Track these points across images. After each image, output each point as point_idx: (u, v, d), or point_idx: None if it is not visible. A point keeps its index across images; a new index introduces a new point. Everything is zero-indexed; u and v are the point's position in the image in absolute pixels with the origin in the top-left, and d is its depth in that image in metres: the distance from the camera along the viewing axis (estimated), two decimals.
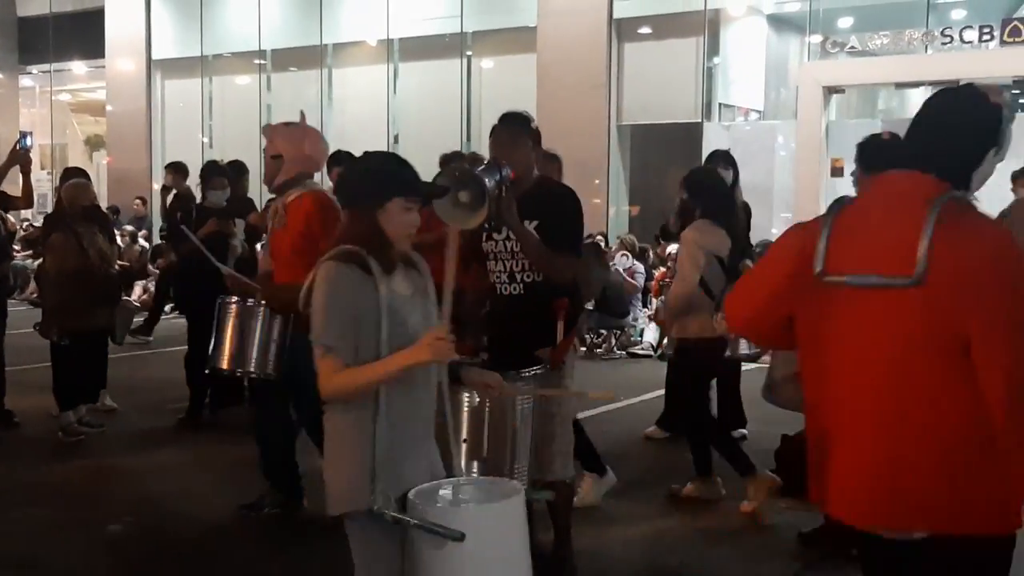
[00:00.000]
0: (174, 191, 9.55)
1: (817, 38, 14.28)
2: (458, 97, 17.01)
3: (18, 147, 7.34)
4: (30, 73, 23.72)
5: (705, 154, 7.94)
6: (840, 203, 2.55)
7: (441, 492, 2.78)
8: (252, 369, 4.97)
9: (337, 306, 2.73)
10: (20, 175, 7.42)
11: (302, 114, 5.25)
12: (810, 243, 2.45)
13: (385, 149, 16.87)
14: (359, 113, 18.07)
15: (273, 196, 5.37)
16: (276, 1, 18.85)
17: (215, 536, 5.04)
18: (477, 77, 17.14)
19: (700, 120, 14.79)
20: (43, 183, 19.38)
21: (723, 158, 6.79)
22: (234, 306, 4.97)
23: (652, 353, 10.56)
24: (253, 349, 4.93)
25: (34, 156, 7.86)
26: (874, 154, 4.72)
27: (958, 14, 14.28)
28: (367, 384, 2.72)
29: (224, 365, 4.98)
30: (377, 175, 2.89)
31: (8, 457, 6.42)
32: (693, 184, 5.75)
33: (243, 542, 4.96)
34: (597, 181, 14.97)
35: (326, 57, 18.42)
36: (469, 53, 17.16)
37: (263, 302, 4.97)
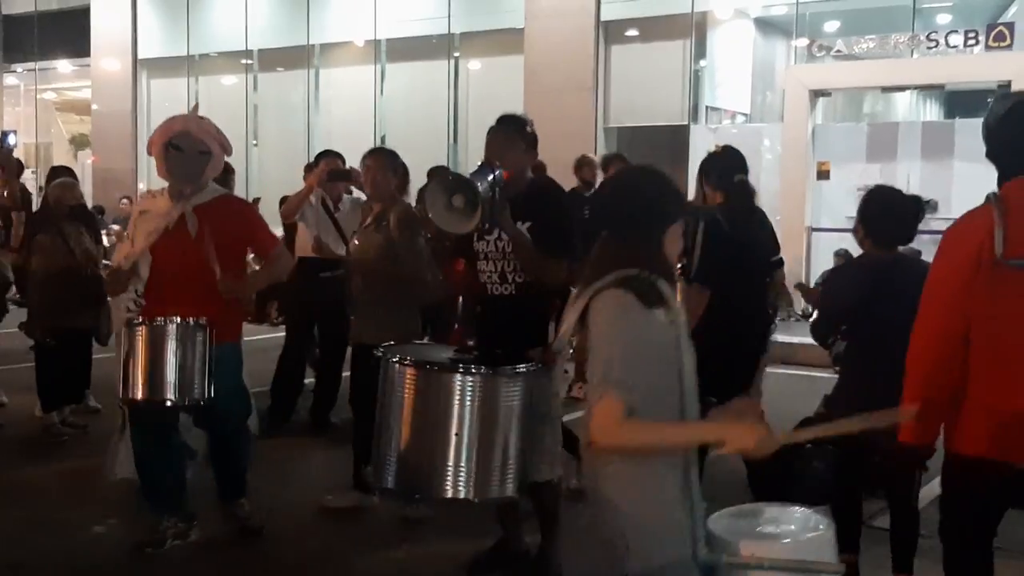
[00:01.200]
0: None
1: (803, 42, 14.32)
2: (445, 99, 16.99)
3: (1, 147, 7.32)
4: (14, 71, 23.61)
5: (692, 156, 7.94)
6: (996, 199, 2.93)
7: (742, 525, 2.51)
8: (170, 396, 4.41)
9: (633, 341, 2.38)
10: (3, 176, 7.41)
11: (196, 106, 4.94)
12: (985, 233, 2.90)
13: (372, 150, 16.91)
14: (346, 114, 18.04)
15: (149, 191, 4.95)
16: (263, 1, 18.80)
17: (200, 538, 5.00)
18: (464, 79, 17.13)
19: (687, 123, 14.82)
20: (27, 182, 19.27)
21: None
22: (142, 328, 4.40)
23: None
24: (169, 373, 4.37)
25: (18, 155, 7.82)
26: (719, 168, 5.08)
27: (943, 19, 14.36)
28: (661, 443, 2.42)
29: (139, 396, 4.42)
30: (668, 195, 2.60)
31: None
32: None
33: (226, 542, 4.94)
34: None
35: (313, 57, 18.38)
36: (456, 54, 17.14)
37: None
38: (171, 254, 4.54)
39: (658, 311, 2.40)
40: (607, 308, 2.40)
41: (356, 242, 5.35)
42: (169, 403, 4.44)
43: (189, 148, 4.56)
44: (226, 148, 4.72)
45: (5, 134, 7.68)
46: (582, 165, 9.12)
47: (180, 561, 4.72)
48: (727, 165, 5.11)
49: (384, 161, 5.35)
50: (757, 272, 4.96)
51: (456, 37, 16.98)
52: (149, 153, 4.67)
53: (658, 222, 2.56)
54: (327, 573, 4.71)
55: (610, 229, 2.59)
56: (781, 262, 5.35)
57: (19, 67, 23.36)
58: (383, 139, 17.44)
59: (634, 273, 2.42)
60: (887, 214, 4.21)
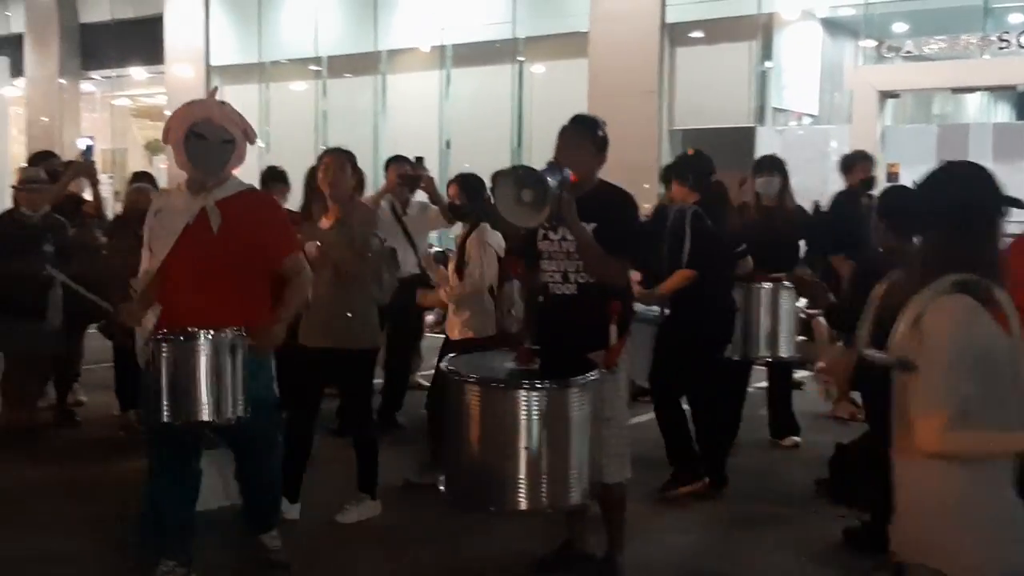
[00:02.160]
0: None
1: (871, 42, 14.17)
2: (509, 103, 17.09)
3: (81, 158, 7.54)
4: (92, 79, 24.21)
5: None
6: None
7: None
8: (205, 417, 3.90)
9: (971, 350, 2.27)
10: (89, 186, 7.64)
11: (215, 89, 4.46)
12: None
13: (436, 154, 17.08)
14: (412, 119, 18.23)
15: (164, 188, 4.52)
16: (332, 8, 19.08)
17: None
18: (529, 83, 17.21)
19: (753, 125, 14.73)
20: (103, 187, 19.78)
21: (769, 164, 6.78)
22: (168, 345, 3.90)
23: None
24: (204, 390, 3.88)
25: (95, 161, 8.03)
26: (696, 170, 5.77)
27: (1015, 19, 14.09)
28: (985, 453, 2.34)
29: (165, 418, 3.90)
30: (999, 193, 2.46)
31: (68, 455, 6.55)
32: (470, 189, 6.03)
33: (289, 544, 5.03)
34: (647, 185, 14.93)
35: (380, 63, 18.59)
36: (521, 59, 17.23)
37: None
38: (191, 253, 4.08)
39: (992, 318, 2.32)
40: (949, 315, 2.29)
41: (318, 244, 5.14)
42: (205, 423, 3.94)
43: (212, 136, 4.08)
44: (249, 136, 4.23)
45: (89, 147, 7.81)
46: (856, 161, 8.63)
47: (246, 555, 4.76)
48: (703, 168, 5.83)
49: (342, 161, 5.24)
50: (730, 260, 5.96)
51: (521, 41, 17.07)
52: (165, 141, 4.18)
53: (993, 221, 2.46)
54: (391, 568, 4.79)
55: (942, 228, 2.45)
56: (745, 253, 6.16)
57: (96, 74, 23.95)
58: (448, 143, 17.61)
59: (972, 278, 2.32)
60: (905, 206, 4.50)
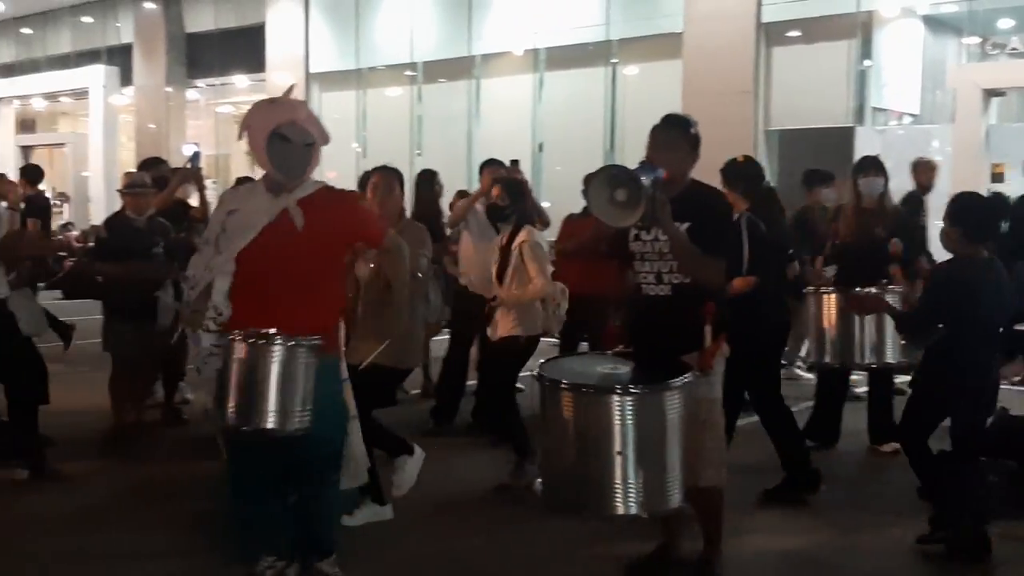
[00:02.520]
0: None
1: (975, 39, 13.78)
2: (602, 105, 17.06)
3: (189, 165, 7.83)
4: (197, 87, 24.91)
5: (856, 159, 7.77)
6: None
7: None
8: (271, 425, 3.75)
9: None
10: (196, 191, 7.91)
11: (292, 88, 4.32)
12: None
13: (529, 158, 17.14)
14: (505, 122, 18.30)
15: (235, 187, 4.55)
16: (427, 14, 19.29)
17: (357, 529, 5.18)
18: (622, 85, 17.15)
19: (852, 124, 14.46)
20: (209, 192, 20.30)
21: (873, 165, 6.68)
22: (241, 345, 3.77)
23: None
24: (270, 399, 3.74)
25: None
26: (747, 177, 5.91)
27: None
28: None
29: (231, 421, 3.79)
30: None
31: (176, 453, 6.73)
32: (513, 192, 6.07)
33: (364, 535, 5.10)
34: None
35: (474, 68, 18.75)
36: (614, 61, 17.19)
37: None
38: (273, 253, 3.96)
39: None
40: None
41: (371, 266, 5.01)
42: (269, 430, 3.79)
43: (296, 139, 4.00)
44: (325, 138, 4.14)
45: (196, 154, 8.10)
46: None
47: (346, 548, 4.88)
48: (755, 174, 6.03)
49: (390, 180, 5.27)
50: (783, 263, 6.21)
51: (614, 44, 17.02)
52: (241, 138, 4.09)
53: None
54: (483, 559, 4.85)
55: None
56: (793, 256, 6.50)
57: (201, 82, 24.63)
58: (541, 147, 17.65)
59: None
60: (979, 213, 4.83)
